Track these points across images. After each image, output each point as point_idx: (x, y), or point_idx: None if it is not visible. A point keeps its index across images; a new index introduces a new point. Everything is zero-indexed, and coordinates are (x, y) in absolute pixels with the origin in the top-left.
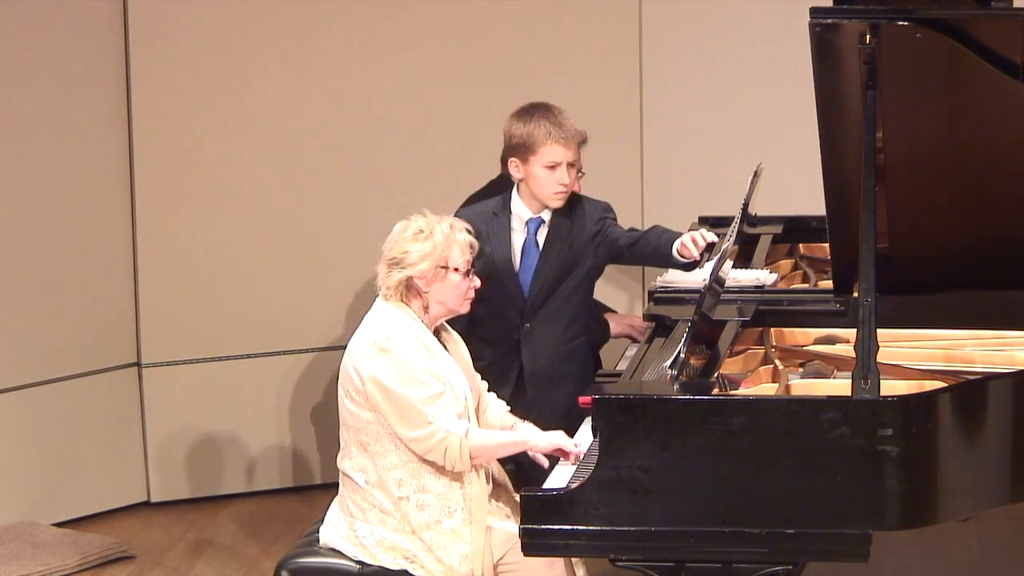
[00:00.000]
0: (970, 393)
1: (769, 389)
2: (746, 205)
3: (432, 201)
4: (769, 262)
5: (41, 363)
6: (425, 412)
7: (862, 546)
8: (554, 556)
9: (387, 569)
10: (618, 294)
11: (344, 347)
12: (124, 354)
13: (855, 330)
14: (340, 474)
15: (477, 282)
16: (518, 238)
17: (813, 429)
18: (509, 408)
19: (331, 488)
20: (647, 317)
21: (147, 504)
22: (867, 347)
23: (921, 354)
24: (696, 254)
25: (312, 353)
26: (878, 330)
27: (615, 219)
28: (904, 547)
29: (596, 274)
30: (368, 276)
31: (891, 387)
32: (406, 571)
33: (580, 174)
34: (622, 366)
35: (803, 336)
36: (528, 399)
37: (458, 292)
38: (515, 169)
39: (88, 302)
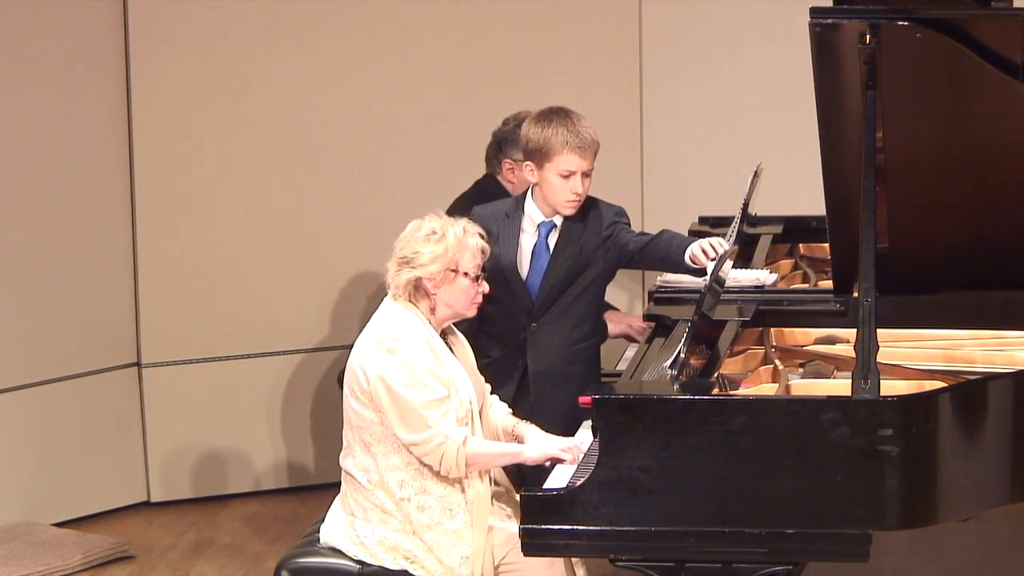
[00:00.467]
0: (970, 393)
1: (769, 389)
2: (746, 205)
3: (432, 201)
4: (769, 262)
5: (41, 363)
6: (425, 416)
7: (862, 546)
8: (554, 556)
9: (387, 569)
10: (618, 294)
11: (345, 347)
12: (124, 354)
13: (855, 330)
14: (342, 473)
15: (486, 287)
16: (528, 240)
17: (813, 429)
18: (511, 410)
19: (331, 488)
20: (647, 317)
21: (147, 504)
22: (867, 347)
23: (921, 354)
24: (708, 264)
25: (312, 353)
26: (878, 330)
27: (628, 223)
28: (904, 547)
29: (606, 278)
30: (368, 276)
31: (891, 387)
32: (406, 571)
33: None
34: (622, 366)
35: (803, 336)
36: (531, 399)
37: (466, 296)
38: (529, 173)
39: (88, 302)
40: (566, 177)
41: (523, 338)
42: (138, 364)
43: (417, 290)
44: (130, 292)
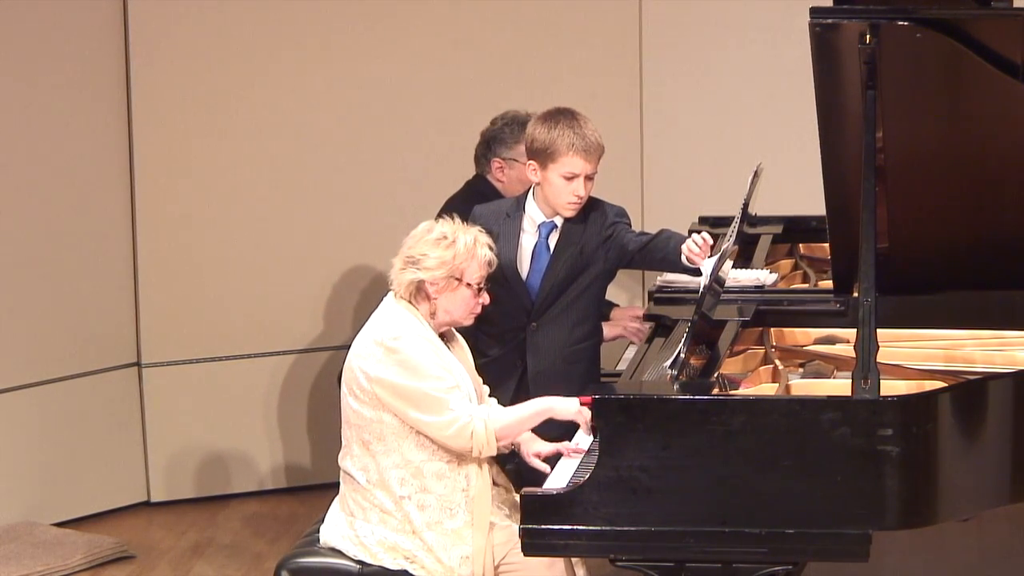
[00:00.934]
0: (970, 393)
1: (769, 389)
2: (746, 205)
3: (431, 201)
4: (769, 262)
5: (41, 363)
6: (445, 399)
7: (862, 546)
8: (554, 556)
9: (387, 569)
10: (618, 294)
11: (344, 346)
12: (124, 354)
13: (855, 330)
14: (341, 472)
15: (486, 299)
16: (528, 240)
17: (813, 429)
18: None
19: (331, 488)
20: (647, 317)
21: (147, 504)
22: (867, 347)
23: (921, 354)
24: (702, 260)
25: (312, 353)
26: (878, 330)
27: (629, 224)
28: (904, 547)
29: (606, 278)
30: (367, 276)
31: (891, 387)
32: (406, 571)
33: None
34: (622, 366)
35: (803, 336)
36: (531, 399)
37: (466, 307)
38: (532, 173)
39: (88, 302)
40: (569, 179)
41: (523, 338)
42: (138, 364)
43: (418, 292)
44: (130, 292)
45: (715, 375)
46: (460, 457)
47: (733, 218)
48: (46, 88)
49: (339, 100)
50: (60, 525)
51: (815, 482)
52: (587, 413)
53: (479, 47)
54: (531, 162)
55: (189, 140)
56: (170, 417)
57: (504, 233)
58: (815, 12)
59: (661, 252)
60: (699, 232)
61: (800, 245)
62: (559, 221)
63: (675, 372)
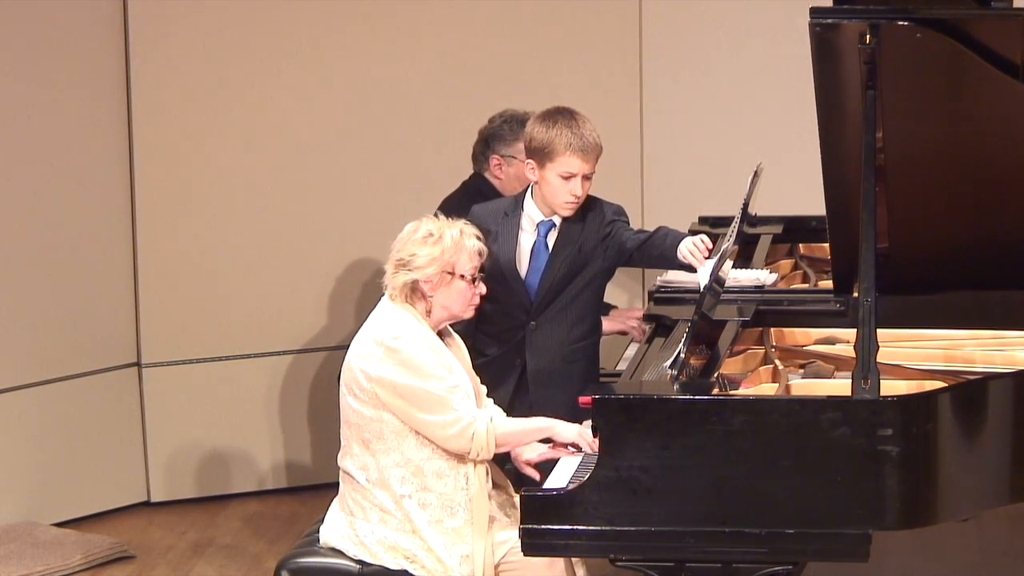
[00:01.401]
0: (970, 393)
1: (769, 389)
2: (746, 205)
3: (432, 201)
4: (769, 262)
5: (41, 363)
6: (449, 399)
7: (862, 546)
8: (554, 556)
9: (387, 569)
10: (618, 294)
11: (345, 346)
12: (124, 354)
13: (855, 330)
14: (340, 472)
15: (483, 289)
16: (526, 239)
17: (813, 429)
18: (507, 412)
19: (331, 488)
20: (647, 317)
21: (147, 504)
22: (867, 347)
23: (921, 354)
24: (700, 264)
25: (312, 353)
26: (878, 330)
27: (627, 222)
28: (904, 547)
29: (605, 276)
30: (369, 277)
31: (891, 387)
32: (406, 571)
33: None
34: (622, 366)
35: (803, 336)
36: (530, 398)
37: (463, 299)
38: (531, 172)
39: (88, 302)
40: (567, 179)
41: (521, 337)
42: (138, 364)
43: (414, 292)
44: (130, 292)
45: (715, 375)
46: (460, 456)
47: (733, 218)
48: (46, 88)
49: (339, 99)
50: (60, 525)
51: (815, 482)
52: (588, 434)
53: (479, 47)
54: (529, 161)
55: (189, 140)
56: (170, 417)
57: (503, 232)
58: (815, 12)
59: (658, 249)
60: (699, 232)
61: (800, 245)
62: (557, 220)
63: (675, 372)
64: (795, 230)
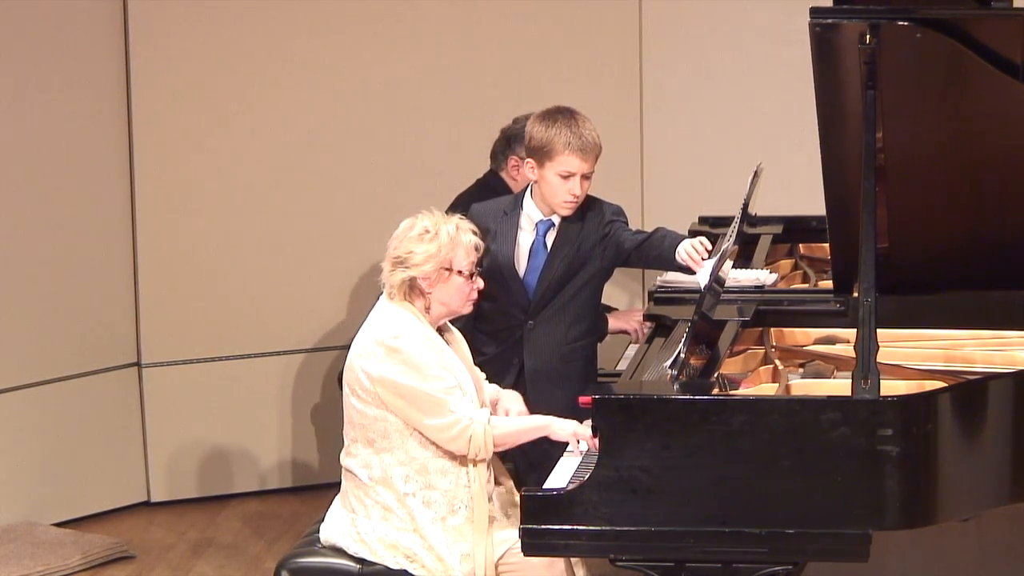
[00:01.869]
0: (970, 393)
1: (769, 389)
2: (746, 205)
3: (433, 201)
4: (769, 262)
5: (41, 363)
6: (447, 401)
7: (862, 546)
8: (554, 556)
9: (387, 568)
10: (618, 294)
11: (345, 346)
12: (124, 354)
13: (855, 330)
14: (343, 470)
15: (480, 284)
16: (525, 238)
17: (813, 429)
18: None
19: (331, 488)
20: (647, 317)
21: (147, 504)
22: (867, 347)
23: (921, 354)
24: (698, 267)
25: (312, 353)
26: (878, 330)
27: (626, 222)
28: (904, 547)
29: (604, 276)
30: (369, 276)
31: (891, 387)
32: (406, 571)
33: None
34: (622, 366)
35: (803, 336)
36: (528, 397)
37: (461, 294)
38: (530, 171)
39: (88, 302)
40: (565, 178)
41: (520, 336)
42: (138, 364)
43: (412, 289)
44: (130, 292)
45: (715, 375)
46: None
47: (733, 218)
48: (46, 88)
49: (339, 100)
50: (60, 525)
51: (815, 482)
52: (584, 431)
53: (479, 47)
54: (529, 160)
55: (189, 140)
56: (170, 417)
57: (501, 231)
58: (815, 12)
59: (656, 250)
60: (699, 233)
61: (800, 245)
62: (556, 219)
63: (675, 372)
64: (795, 230)
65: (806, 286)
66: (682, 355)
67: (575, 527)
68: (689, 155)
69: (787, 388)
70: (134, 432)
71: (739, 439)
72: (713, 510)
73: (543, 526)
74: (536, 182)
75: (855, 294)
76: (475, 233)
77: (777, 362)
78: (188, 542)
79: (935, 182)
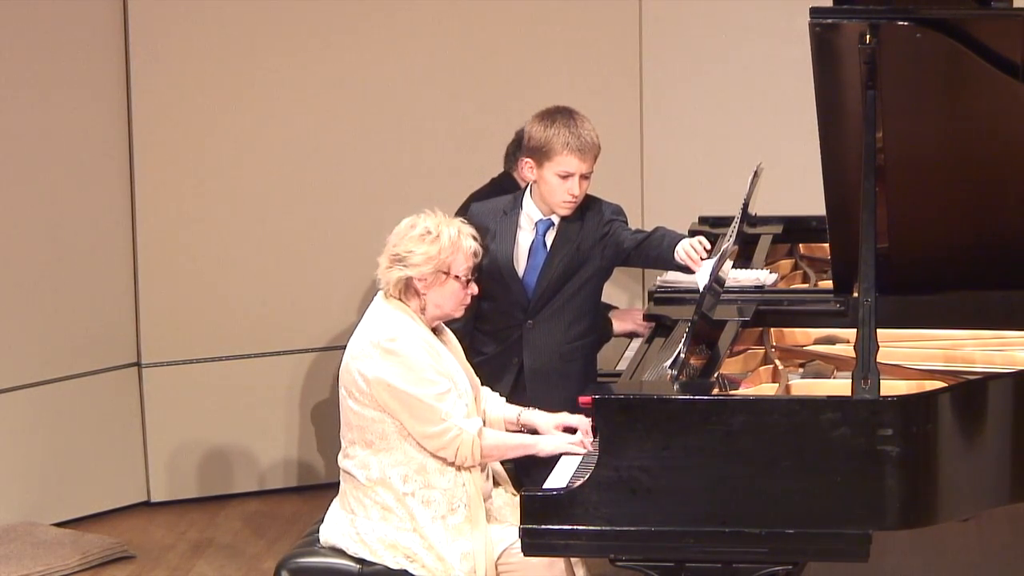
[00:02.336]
0: (970, 393)
1: (769, 389)
2: (746, 205)
3: (434, 200)
4: (769, 262)
5: (41, 363)
6: (439, 408)
7: (862, 546)
8: (554, 556)
9: (387, 568)
10: (618, 294)
11: (344, 346)
12: (124, 354)
13: (855, 330)
14: (341, 472)
15: (475, 289)
16: (525, 237)
17: (813, 429)
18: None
19: (332, 488)
20: (647, 317)
21: (147, 504)
22: (867, 347)
23: (921, 354)
24: (696, 267)
25: (312, 353)
26: (878, 330)
27: (625, 221)
28: (904, 547)
29: (603, 276)
30: (369, 276)
31: (891, 387)
32: (406, 571)
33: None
34: (622, 366)
35: (803, 336)
36: (527, 397)
37: (455, 299)
38: (529, 170)
39: (88, 302)
40: (564, 178)
41: (519, 335)
42: (138, 364)
43: (407, 289)
44: (130, 292)
45: (715, 375)
46: None
47: (733, 218)
48: (46, 88)
49: (339, 100)
50: (60, 525)
51: (815, 482)
52: (569, 447)
53: (479, 47)
54: (528, 160)
55: (189, 140)
56: (170, 417)
57: (501, 230)
58: (815, 12)
59: (656, 250)
60: (699, 233)
61: (800, 245)
62: (556, 219)
63: (675, 372)
64: (795, 230)
65: (806, 286)
66: (682, 355)
67: (575, 527)
68: (689, 155)
69: (787, 388)
70: (134, 432)
71: (739, 439)
72: (713, 510)
73: (543, 526)
74: (535, 182)
75: (855, 294)
76: (475, 239)
77: (777, 362)
78: (188, 542)
79: (935, 182)
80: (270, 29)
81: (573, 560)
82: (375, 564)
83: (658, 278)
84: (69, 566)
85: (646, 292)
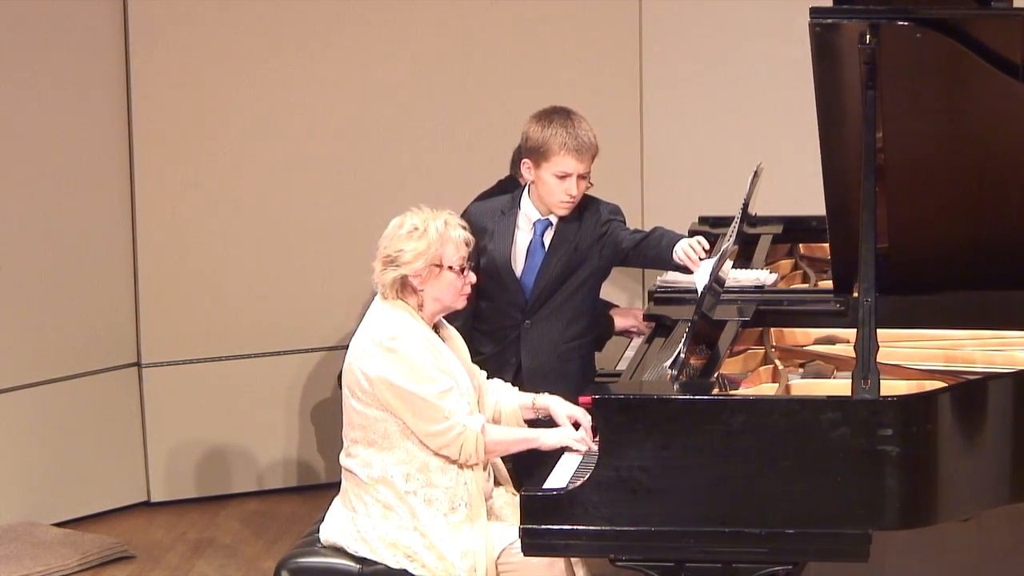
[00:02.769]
0: (970, 393)
1: (769, 389)
2: (746, 205)
3: (434, 200)
4: (769, 262)
5: (41, 363)
6: (441, 407)
7: (862, 546)
8: (554, 556)
9: (387, 568)
10: (618, 294)
11: (345, 347)
12: (124, 354)
13: (855, 330)
14: (342, 470)
15: (473, 278)
16: (523, 237)
17: (813, 429)
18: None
19: (331, 487)
20: (647, 317)
21: (147, 504)
22: (867, 347)
23: (921, 354)
24: (695, 267)
25: (312, 353)
26: (878, 330)
27: (623, 221)
28: (904, 547)
29: (601, 275)
30: (369, 276)
31: (891, 387)
32: (406, 571)
33: (588, 184)
34: (622, 366)
35: (803, 336)
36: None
37: (453, 290)
38: (527, 170)
39: (88, 302)
40: (561, 178)
41: (517, 335)
42: (138, 364)
43: (404, 287)
44: (130, 292)
45: (715, 375)
46: None
47: (733, 218)
48: (46, 88)
49: (339, 100)
50: (60, 525)
51: (815, 482)
52: (572, 442)
53: (479, 47)
54: (525, 160)
55: (189, 140)
56: (170, 417)
57: (499, 230)
58: (815, 12)
59: (654, 250)
60: (699, 233)
61: (800, 245)
62: (554, 219)
63: (675, 372)
64: (795, 230)
65: (806, 286)
66: (682, 355)
67: (575, 527)
68: (689, 155)
69: (787, 388)
70: (134, 432)
71: (739, 439)
72: (713, 510)
73: (543, 526)
74: (533, 182)
75: (855, 294)
76: (464, 228)
77: (777, 362)
78: (188, 542)
79: (935, 182)
80: (270, 29)
81: (573, 560)
82: (375, 563)
83: (658, 278)
84: (69, 566)
85: (646, 292)
